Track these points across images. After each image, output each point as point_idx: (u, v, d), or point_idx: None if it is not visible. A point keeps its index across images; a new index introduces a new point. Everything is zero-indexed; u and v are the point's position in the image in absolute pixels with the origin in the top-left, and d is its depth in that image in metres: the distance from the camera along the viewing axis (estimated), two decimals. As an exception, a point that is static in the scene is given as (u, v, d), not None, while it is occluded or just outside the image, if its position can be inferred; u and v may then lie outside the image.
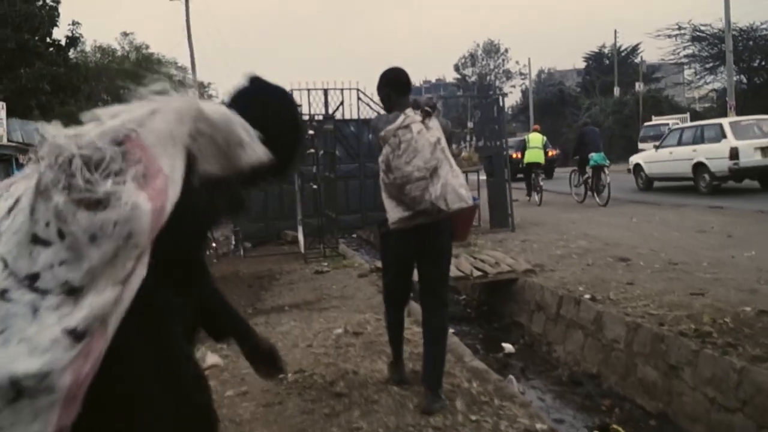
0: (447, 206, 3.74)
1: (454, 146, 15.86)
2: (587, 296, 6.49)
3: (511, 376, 5.65)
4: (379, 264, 6.89)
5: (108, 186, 1.29)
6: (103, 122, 1.45)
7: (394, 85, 4.07)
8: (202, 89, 42.35)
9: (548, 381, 6.07)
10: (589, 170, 15.38)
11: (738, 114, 27.96)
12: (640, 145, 29.35)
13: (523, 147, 17.81)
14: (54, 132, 1.38)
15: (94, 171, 1.31)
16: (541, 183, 16.87)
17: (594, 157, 15.04)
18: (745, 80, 39.61)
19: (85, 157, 1.32)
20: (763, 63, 40.89)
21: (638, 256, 8.21)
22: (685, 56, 43.91)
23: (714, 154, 15.54)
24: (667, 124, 28.75)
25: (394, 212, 3.79)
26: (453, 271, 7.82)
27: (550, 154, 19.91)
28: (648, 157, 18.95)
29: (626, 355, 5.57)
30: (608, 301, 6.27)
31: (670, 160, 17.25)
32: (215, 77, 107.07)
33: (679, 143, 17.25)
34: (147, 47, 43.89)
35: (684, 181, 16.92)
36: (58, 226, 1.27)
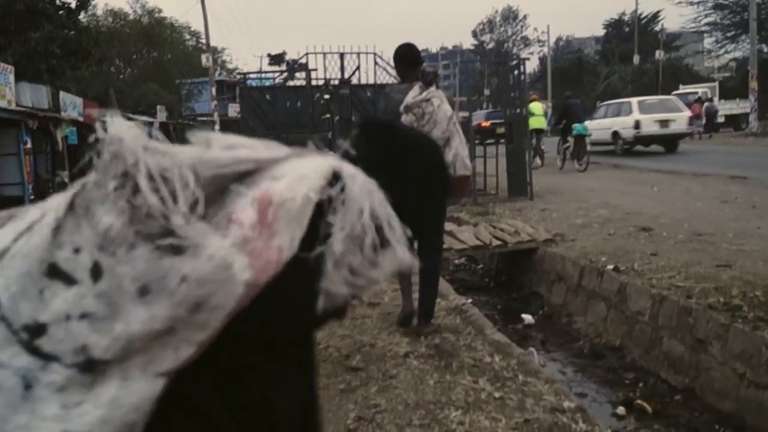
0: (455, 172, 4.38)
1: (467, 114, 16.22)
2: (610, 267, 6.31)
3: (531, 348, 5.52)
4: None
5: (190, 225, 0.82)
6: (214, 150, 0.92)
7: (404, 60, 4.75)
8: (216, 54, 42.07)
9: (569, 353, 5.92)
10: (570, 139, 16.95)
11: (760, 84, 27.74)
12: None
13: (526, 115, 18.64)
14: (122, 129, 0.85)
15: (172, 202, 0.83)
16: (543, 147, 18.48)
17: (577, 127, 16.63)
18: (766, 49, 38.83)
19: (164, 174, 0.85)
20: (786, 33, 40.10)
21: (661, 226, 8.00)
22: (707, 24, 43.19)
23: (624, 125, 20.21)
24: (696, 93, 31.05)
25: None
26: (472, 240, 7.69)
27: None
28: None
29: (651, 328, 5.41)
30: (632, 272, 6.09)
31: (598, 129, 20.65)
32: (229, 43, 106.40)
33: (605, 116, 21.52)
34: (159, 11, 43.61)
35: (607, 146, 20.95)
36: (95, 259, 0.81)
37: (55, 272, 0.81)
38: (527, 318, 6.69)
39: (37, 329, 0.79)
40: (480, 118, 26.38)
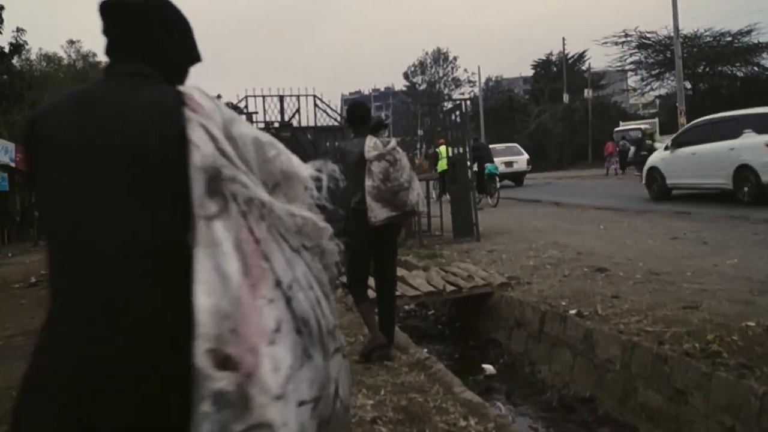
0: (418, 208, 5.27)
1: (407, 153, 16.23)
2: (573, 311, 6.01)
3: (498, 404, 5.17)
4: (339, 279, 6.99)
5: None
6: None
7: (355, 118, 5.40)
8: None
9: (537, 407, 5.55)
10: (484, 178, 18.13)
11: (688, 119, 28.77)
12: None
13: (435, 158, 19.65)
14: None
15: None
16: None
17: (489, 167, 18.22)
18: (689, 86, 40.31)
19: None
20: (707, 69, 41.81)
21: (616, 266, 7.80)
22: (632, 63, 44.70)
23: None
24: (640, 129, 33.04)
25: (381, 212, 4.91)
26: (425, 286, 7.32)
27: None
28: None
29: (623, 377, 5.10)
30: (597, 316, 5.80)
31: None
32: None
33: None
34: (94, 55, 42.86)
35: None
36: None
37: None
38: (489, 368, 6.31)
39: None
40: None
